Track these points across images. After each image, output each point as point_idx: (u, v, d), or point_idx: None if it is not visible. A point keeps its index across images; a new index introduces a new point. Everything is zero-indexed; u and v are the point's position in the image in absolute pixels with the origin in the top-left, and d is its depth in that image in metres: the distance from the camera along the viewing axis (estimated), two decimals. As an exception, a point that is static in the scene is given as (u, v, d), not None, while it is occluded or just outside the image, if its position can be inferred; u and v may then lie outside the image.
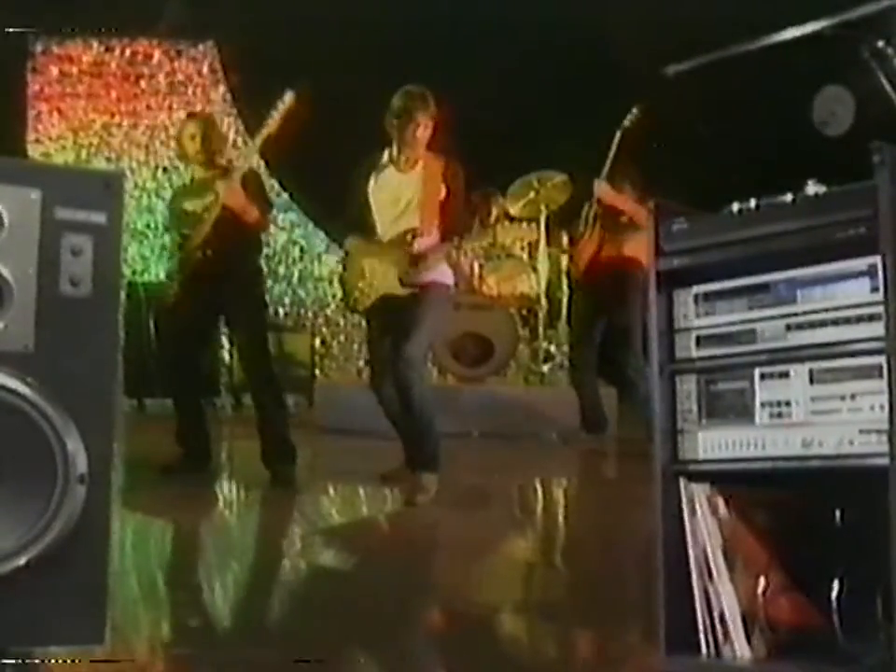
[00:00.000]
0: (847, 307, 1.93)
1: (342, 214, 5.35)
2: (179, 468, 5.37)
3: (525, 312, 8.15)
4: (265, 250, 9.70)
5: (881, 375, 1.84)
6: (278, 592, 3.55)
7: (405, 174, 5.12)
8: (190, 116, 6.45)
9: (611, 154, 6.43)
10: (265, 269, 6.24)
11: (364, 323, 5.62)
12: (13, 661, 1.93)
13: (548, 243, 7.78)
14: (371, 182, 5.15)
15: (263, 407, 5.40)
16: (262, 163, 10.13)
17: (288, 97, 5.20)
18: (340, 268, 5.63)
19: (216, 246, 5.25)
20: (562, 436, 7.14)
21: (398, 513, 4.98)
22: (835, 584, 1.99)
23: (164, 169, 10.53)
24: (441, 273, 5.12)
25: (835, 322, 1.94)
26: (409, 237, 5.02)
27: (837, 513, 2.04)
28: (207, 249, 5.27)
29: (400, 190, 5.11)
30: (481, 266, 8.07)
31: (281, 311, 10.18)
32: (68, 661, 2.11)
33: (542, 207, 7.63)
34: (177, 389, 5.58)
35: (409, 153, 5.09)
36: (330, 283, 10.32)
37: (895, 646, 1.81)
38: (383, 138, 5.24)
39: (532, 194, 7.63)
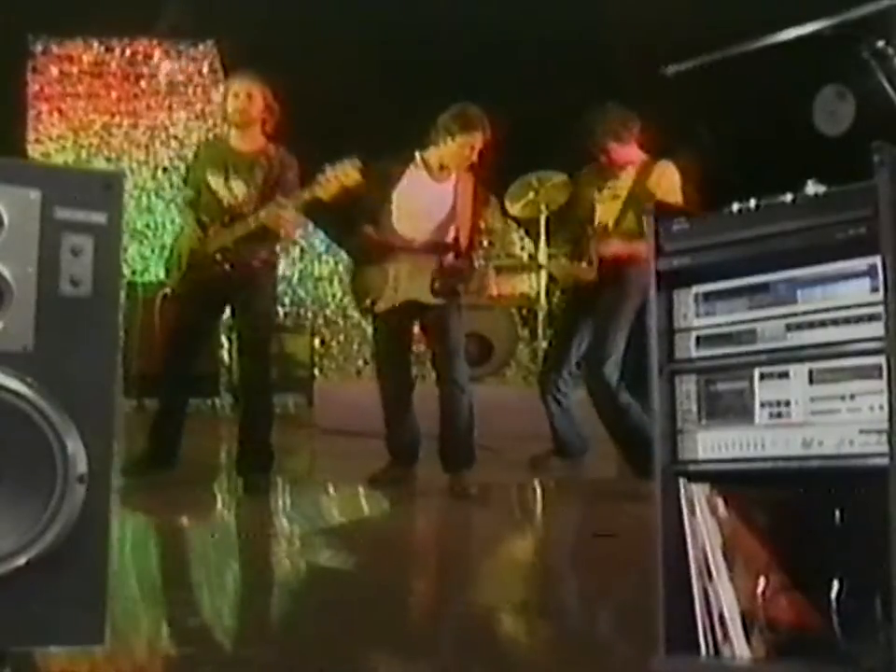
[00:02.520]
0: (847, 307, 1.93)
1: (357, 205, 5.21)
2: (140, 468, 5.14)
3: (525, 312, 8.16)
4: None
5: (881, 375, 1.84)
6: (278, 593, 3.55)
7: (439, 183, 5.19)
8: (242, 73, 5.35)
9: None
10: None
11: (372, 325, 5.61)
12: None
13: (548, 243, 7.77)
14: (402, 182, 5.17)
15: (250, 412, 5.25)
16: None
17: (351, 170, 4.83)
18: (351, 265, 5.62)
19: (234, 257, 4.99)
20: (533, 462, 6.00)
21: (398, 513, 5.00)
22: (835, 584, 1.99)
23: (164, 169, 10.54)
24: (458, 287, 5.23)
25: (835, 322, 1.94)
26: (445, 250, 5.11)
27: (837, 513, 2.04)
28: (225, 261, 4.99)
29: (433, 198, 5.17)
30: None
31: (281, 311, 10.18)
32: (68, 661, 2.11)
33: (542, 207, 7.62)
34: (167, 388, 5.38)
35: (449, 166, 5.14)
36: (330, 283, 10.33)
37: (895, 647, 1.81)
38: (384, 139, 5.27)
39: (532, 194, 7.62)
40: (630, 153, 5.53)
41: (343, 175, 4.85)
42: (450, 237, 5.16)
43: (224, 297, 5.18)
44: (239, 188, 5.06)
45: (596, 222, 5.51)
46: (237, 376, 5.39)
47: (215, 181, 5.09)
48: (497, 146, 5.20)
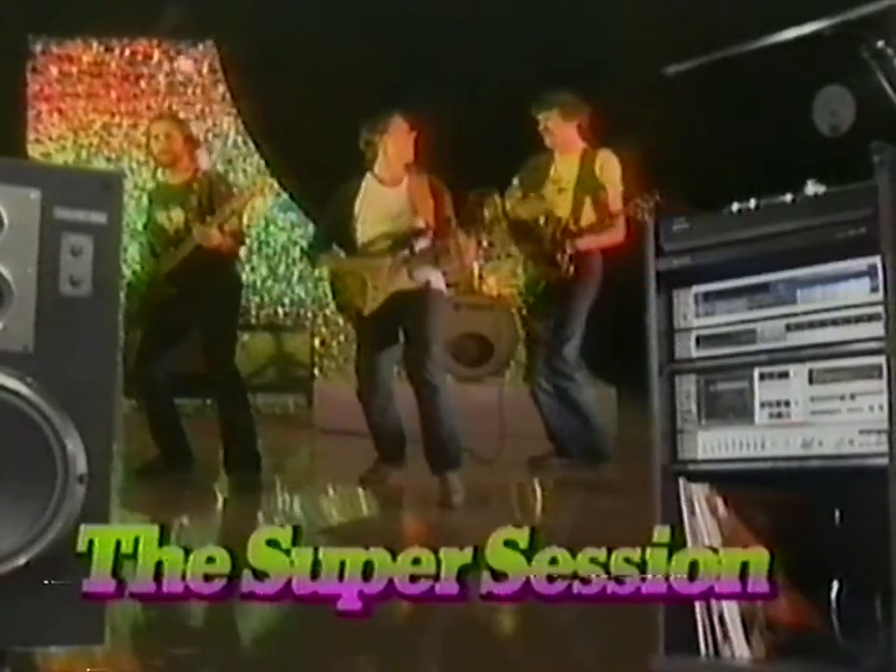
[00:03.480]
0: (847, 307, 1.93)
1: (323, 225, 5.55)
2: (158, 469, 5.31)
3: (524, 312, 8.13)
4: (265, 250, 9.66)
5: (881, 375, 1.84)
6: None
7: (392, 188, 5.21)
8: (159, 117, 6.54)
9: None
10: (253, 273, 6.19)
11: (359, 329, 5.54)
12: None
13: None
14: (359, 200, 5.22)
15: (226, 415, 5.37)
16: (262, 163, 10.16)
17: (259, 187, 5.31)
18: (328, 283, 5.71)
19: (183, 278, 5.27)
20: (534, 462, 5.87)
21: (395, 514, 4.99)
22: (835, 584, 1.99)
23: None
24: (436, 279, 5.18)
25: (835, 322, 1.94)
26: (412, 236, 5.09)
27: (837, 513, 2.04)
28: (176, 283, 5.32)
29: (389, 203, 5.19)
30: (481, 266, 8.06)
31: (281, 311, 10.16)
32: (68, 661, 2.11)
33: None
34: (146, 389, 5.56)
35: (393, 169, 5.17)
36: (331, 283, 10.29)
37: (894, 647, 1.81)
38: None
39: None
40: (572, 136, 5.62)
41: (249, 192, 5.44)
42: (416, 227, 5.17)
43: (188, 309, 5.35)
44: (178, 215, 5.38)
45: (553, 222, 5.57)
46: (211, 381, 5.47)
47: (159, 216, 5.48)
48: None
